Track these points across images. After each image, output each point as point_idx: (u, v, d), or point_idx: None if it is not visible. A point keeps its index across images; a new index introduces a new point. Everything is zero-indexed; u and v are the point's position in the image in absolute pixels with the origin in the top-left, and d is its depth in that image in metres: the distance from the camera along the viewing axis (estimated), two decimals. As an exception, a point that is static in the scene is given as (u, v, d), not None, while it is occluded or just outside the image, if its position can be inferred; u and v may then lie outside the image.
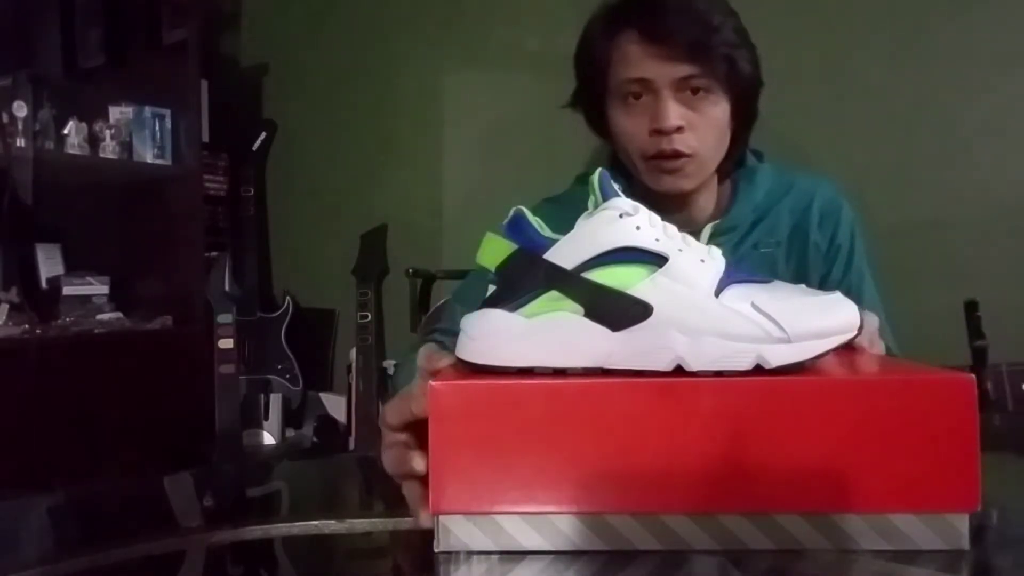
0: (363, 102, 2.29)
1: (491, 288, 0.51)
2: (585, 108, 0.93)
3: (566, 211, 0.51)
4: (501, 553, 0.47)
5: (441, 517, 0.48)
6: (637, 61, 0.82)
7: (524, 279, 0.49)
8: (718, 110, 0.84)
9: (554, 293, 0.48)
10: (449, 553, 0.48)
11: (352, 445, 2.11)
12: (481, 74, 2.06)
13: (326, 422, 2.35)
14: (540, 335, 0.47)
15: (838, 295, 0.50)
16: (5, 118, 1.92)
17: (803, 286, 0.52)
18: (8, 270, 2.12)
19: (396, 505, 0.53)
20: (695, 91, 0.82)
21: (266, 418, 2.37)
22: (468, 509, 0.47)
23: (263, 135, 2.45)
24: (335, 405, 2.33)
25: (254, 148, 2.45)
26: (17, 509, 0.67)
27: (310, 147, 2.44)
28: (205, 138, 2.31)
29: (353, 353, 2.14)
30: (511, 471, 0.46)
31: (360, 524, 0.57)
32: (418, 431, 0.50)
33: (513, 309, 0.49)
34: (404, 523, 0.54)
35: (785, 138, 0.93)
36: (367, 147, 2.29)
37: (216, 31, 2.57)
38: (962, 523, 0.46)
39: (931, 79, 1.34)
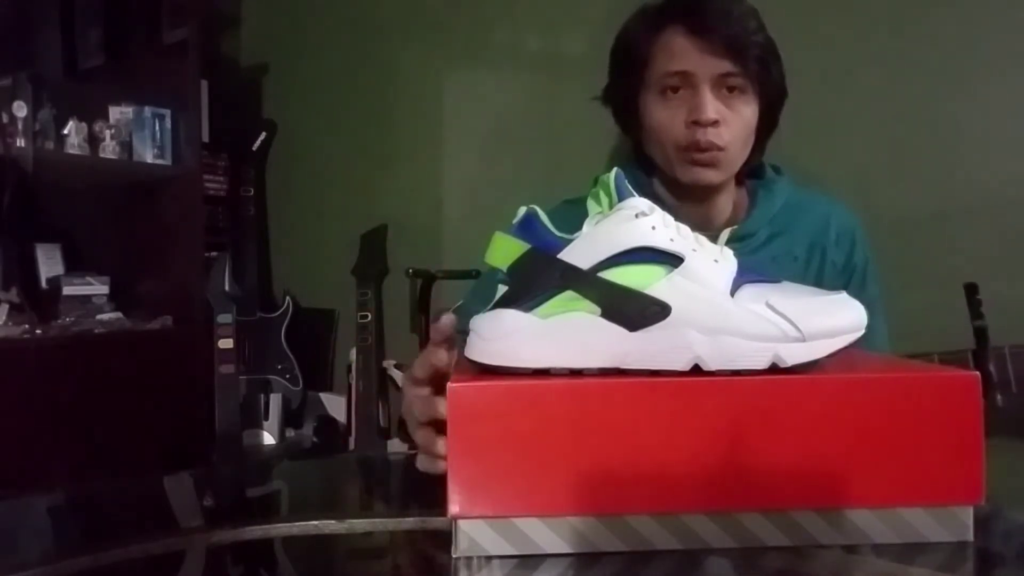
0: (363, 102, 2.29)
1: (500, 288, 0.50)
2: (616, 103, 0.96)
3: (585, 213, 0.51)
4: (520, 557, 0.47)
5: (459, 522, 0.47)
6: (681, 54, 0.86)
7: (539, 279, 0.48)
8: (749, 110, 0.88)
9: (570, 293, 0.48)
10: (467, 559, 0.47)
11: (352, 445, 2.11)
12: (481, 74, 2.06)
13: (326, 422, 2.35)
14: (556, 335, 0.47)
15: (844, 295, 0.50)
16: (5, 118, 1.91)
17: (808, 287, 0.53)
18: (8, 270, 2.11)
19: (396, 505, 0.54)
20: (731, 89, 0.87)
21: (266, 418, 2.36)
22: (486, 513, 0.47)
23: (263, 135, 2.45)
24: (335, 405, 2.33)
25: (254, 148, 2.44)
26: (17, 509, 0.66)
27: (310, 147, 2.43)
28: (205, 138, 2.30)
29: (353, 353, 2.14)
30: (529, 473, 0.46)
31: (360, 524, 0.57)
32: (440, 384, 0.54)
33: (527, 309, 0.48)
34: (404, 523, 0.55)
35: (782, 132, 0.94)
36: (367, 147, 2.29)
37: (216, 31, 2.56)
38: (967, 515, 0.47)
39: (928, 74, 1.35)
